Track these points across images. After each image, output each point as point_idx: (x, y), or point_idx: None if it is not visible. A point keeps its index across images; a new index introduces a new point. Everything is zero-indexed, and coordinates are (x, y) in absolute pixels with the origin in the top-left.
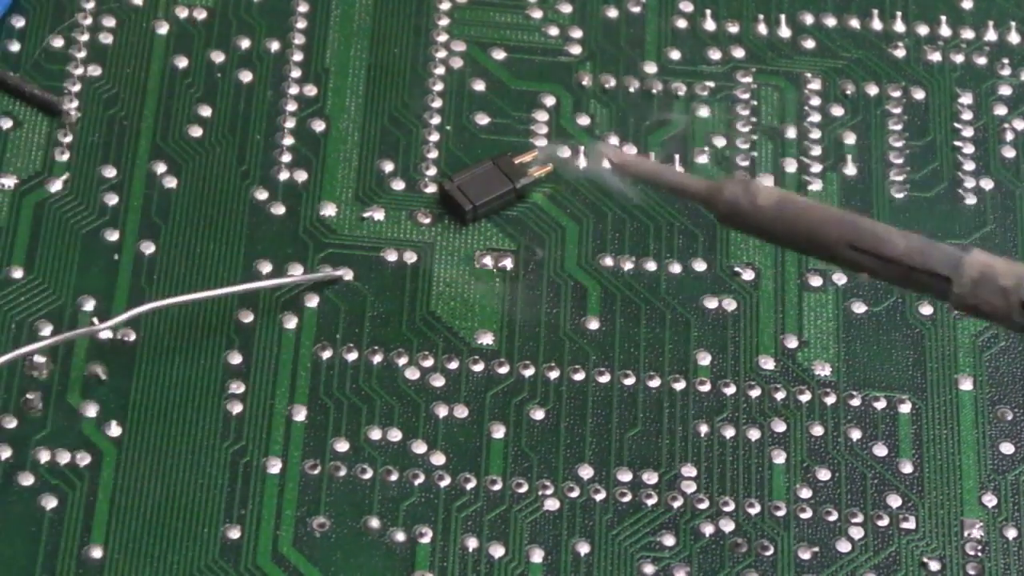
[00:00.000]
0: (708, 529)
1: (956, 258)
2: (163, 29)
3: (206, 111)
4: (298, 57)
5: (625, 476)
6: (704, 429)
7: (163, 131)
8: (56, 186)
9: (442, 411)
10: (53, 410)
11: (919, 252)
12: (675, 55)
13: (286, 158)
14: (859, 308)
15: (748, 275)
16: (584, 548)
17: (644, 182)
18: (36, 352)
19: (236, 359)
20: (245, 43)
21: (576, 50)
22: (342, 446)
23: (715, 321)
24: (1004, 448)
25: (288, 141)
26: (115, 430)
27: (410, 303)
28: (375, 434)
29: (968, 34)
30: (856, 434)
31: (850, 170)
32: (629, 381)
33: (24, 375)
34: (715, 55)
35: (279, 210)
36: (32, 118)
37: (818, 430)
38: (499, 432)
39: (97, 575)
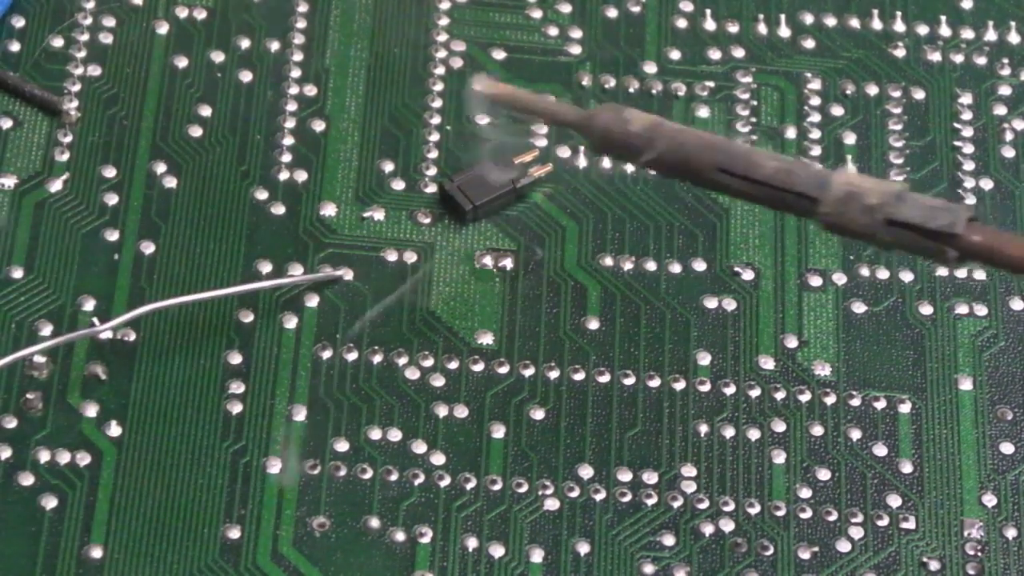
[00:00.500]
0: (708, 529)
1: (823, 178)
2: (163, 29)
3: (206, 111)
4: (298, 57)
5: (625, 476)
6: (704, 429)
7: (163, 131)
8: (56, 186)
9: (442, 411)
10: (53, 410)
11: (786, 172)
12: (675, 55)
13: (286, 158)
14: (859, 308)
15: (748, 275)
16: (584, 548)
17: (520, 112)
18: (37, 353)
19: (236, 359)
20: (245, 43)
21: (576, 50)
22: (342, 446)
23: (715, 321)
24: (1004, 448)
25: (288, 141)
26: (115, 430)
27: (410, 303)
28: (375, 434)
29: (968, 34)
30: (856, 434)
31: (850, 170)
32: (629, 381)
33: (24, 375)
34: (715, 55)
35: (279, 210)
36: (32, 118)
37: (818, 430)
38: (499, 432)
39: (97, 575)
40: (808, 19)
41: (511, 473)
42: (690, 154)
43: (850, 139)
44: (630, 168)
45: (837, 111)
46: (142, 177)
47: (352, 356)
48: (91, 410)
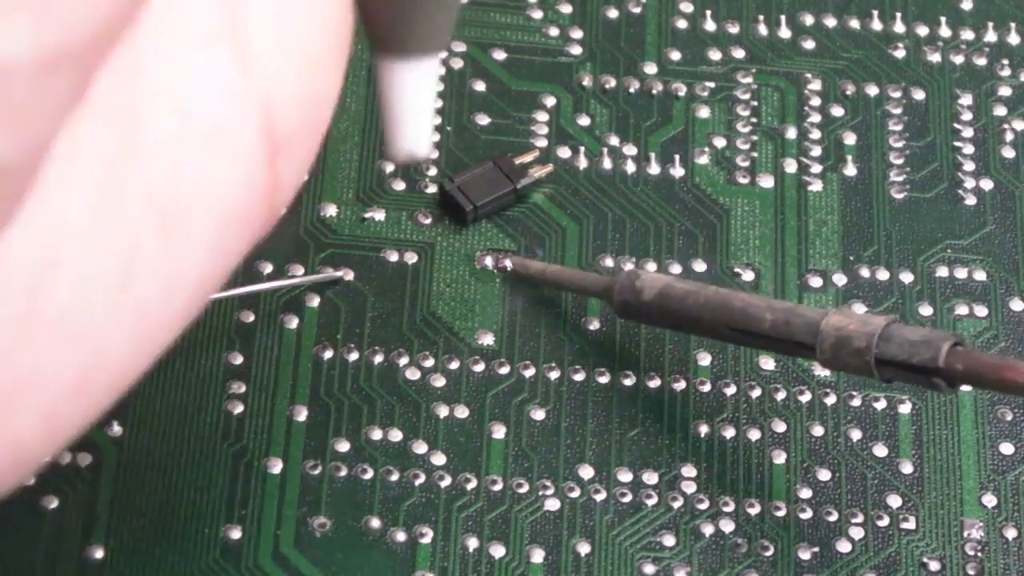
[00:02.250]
0: (708, 529)
1: (815, 325)
2: None
3: None
4: None
5: (625, 476)
6: (704, 429)
7: None
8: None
9: (443, 411)
10: None
11: (784, 324)
12: (675, 56)
13: None
14: (859, 309)
15: (748, 275)
16: (584, 548)
17: (548, 285)
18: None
19: (237, 359)
20: None
21: (576, 51)
22: (343, 446)
23: None
24: (1004, 448)
25: None
26: (115, 430)
27: (410, 303)
28: (376, 434)
29: (968, 35)
30: (856, 434)
31: (850, 170)
32: (629, 381)
33: None
34: (715, 56)
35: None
36: None
37: (818, 430)
38: (499, 432)
39: (97, 575)
40: (808, 20)
41: (512, 473)
42: (701, 316)
43: (850, 139)
44: (630, 169)
45: (837, 111)
46: None
47: (353, 356)
48: None
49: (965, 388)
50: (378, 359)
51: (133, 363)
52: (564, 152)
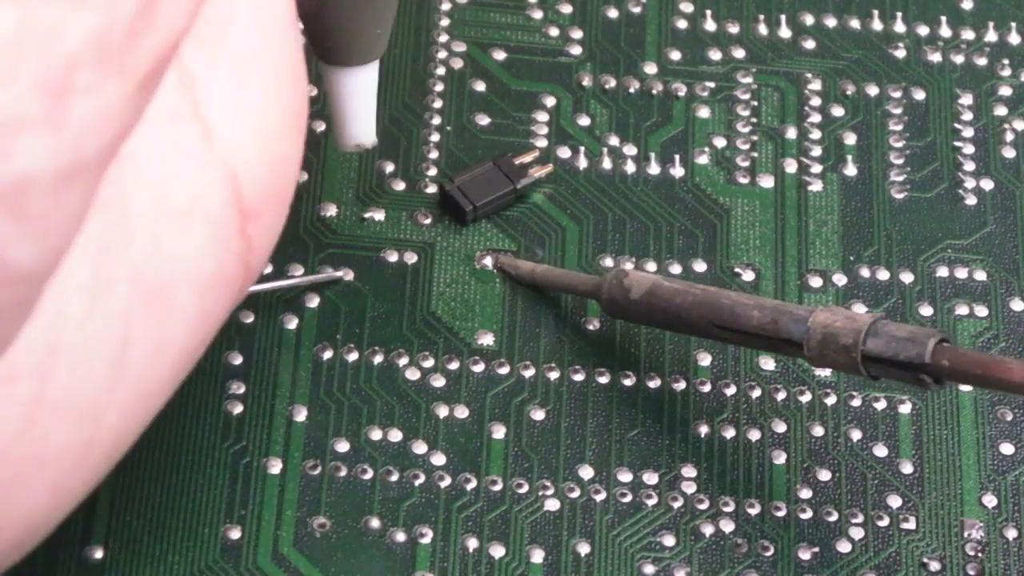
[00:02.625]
0: (708, 529)
1: (803, 322)
2: None
3: None
4: None
5: (625, 476)
6: (704, 430)
7: None
8: None
9: (442, 411)
10: None
11: (771, 322)
12: (675, 55)
13: None
14: (859, 309)
15: (748, 276)
16: (584, 548)
17: (539, 285)
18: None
19: (236, 360)
20: None
21: (576, 51)
22: (342, 446)
23: None
24: (1004, 448)
25: None
26: None
27: (410, 303)
28: (375, 434)
29: (968, 35)
30: (856, 434)
31: (850, 170)
32: (629, 382)
33: None
34: (715, 55)
35: None
36: None
37: (818, 431)
38: (499, 432)
39: (97, 575)
40: (808, 20)
41: (511, 474)
42: (688, 314)
43: (850, 139)
44: (630, 169)
45: (837, 111)
46: None
47: (352, 356)
48: None
49: (965, 388)
50: (378, 359)
51: (129, 430)
52: (564, 152)
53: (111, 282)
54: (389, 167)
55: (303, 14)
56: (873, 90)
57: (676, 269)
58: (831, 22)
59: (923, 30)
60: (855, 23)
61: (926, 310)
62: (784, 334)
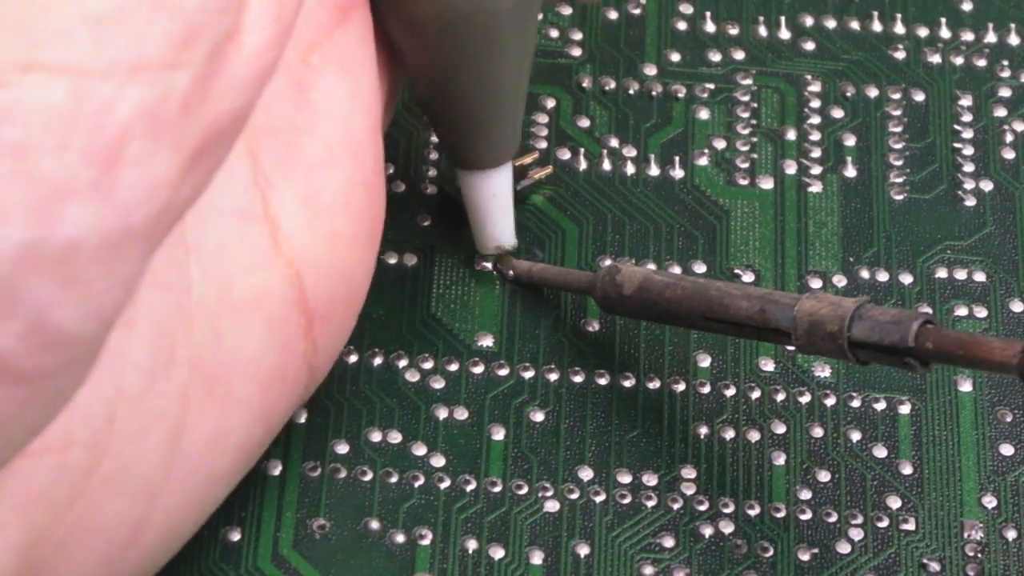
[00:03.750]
0: (708, 531)
1: (789, 310)
2: None
3: None
4: None
5: (625, 478)
6: (704, 431)
7: None
8: None
9: (442, 413)
10: None
11: (759, 311)
12: (675, 57)
13: None
14: None
15: (748, 277)
16: (584, 550)
17: (538, 283)
18: None
19: None
20: None
21: (576, 52)
22: (342, 448)
23: None
24: (1004, 449)
25: None
26: None
27: (410, 305)
28: (375, 436)
29: (968, 36)
30: (856, 435)
31: (850, 172)
32: (629, 383)
33: None
34: (715, 57)
35: None
36: None
37: (818, 432)
38: (499, 434)
39: None
40: (808, 21)
41: (511, 475)
42: (679, 307)
43: (850, 141)
44: (630, 171)
45: (837, 113)
46: None
47: (352, 358)
48: None
49: (965, 388)
50: (377, 361)
51: (185, 517)
52: (564, 154)
53: (171, 364)
54: (389, 169)
55: (435, 123)
56: (873, 92)
57: (676, 271)
58: (831, 24)
59: (923, 32)
60: (855, 24)
61: (926, 311)
62: (772, 323)
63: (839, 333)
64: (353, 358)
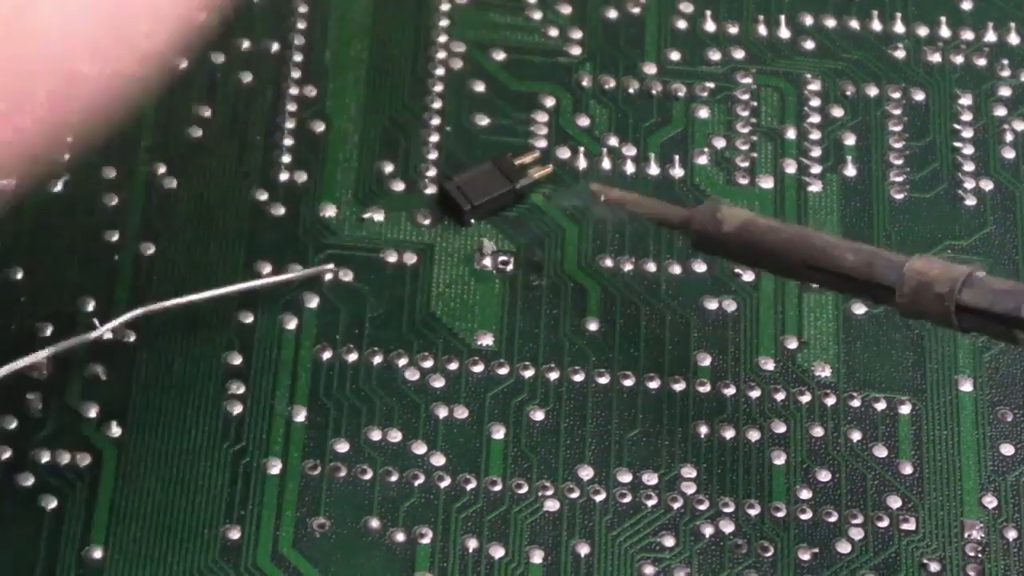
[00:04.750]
0: (708, 530)
1: (898, 268)
2: None
3: (206, 112)
4: (298, 58)
5: (625, 477)
6: (704, 430)
7: (163, 132)
8: (56, 187)
9: (442, 412)
10: (53, 411)
11: (866, 264)
12: (675, 56)
13: (286, 159)
14: (859, 309)
15: (748, 276)
16: (584, 549)
17: (628, 213)
18: (35, 361)
19: (236, 360)
20: (245, 44)
21: (576, 51)
22: (342, 447)
23: (715, 322)
24: (1004, 449)
25: (288, 142)
26: (115, 430)
27: (410, 304)
28: (375, 435)
29: (968, 35)
30: (856, 435)
31: (850, 171)
32: (629, 382)
33: (24, 375)
34: (715, 56)
35: (279, 211)
36: None
37: (818, 431)
38: (499, 433)
39: (97, 575)
40: (808, 20)
41: (511, 474)
42: (780, 252)
43: (850, 140)
44: (630, 170)
45: (837, 112)
46: (142, 178)
47: (352, 357)
48: (91, 411)
49: (965, 388)
50: (377, 360)
51: None
52: (564, 152)
53: None
54: (388, 167)
55: None
56: (873, 91)
57: (676, 270)
58: (831, 23)
59: (923, 31)
60: (855, 24)
61: None
62: (877, 278)
63: (948, 296)
64: (353, 356)
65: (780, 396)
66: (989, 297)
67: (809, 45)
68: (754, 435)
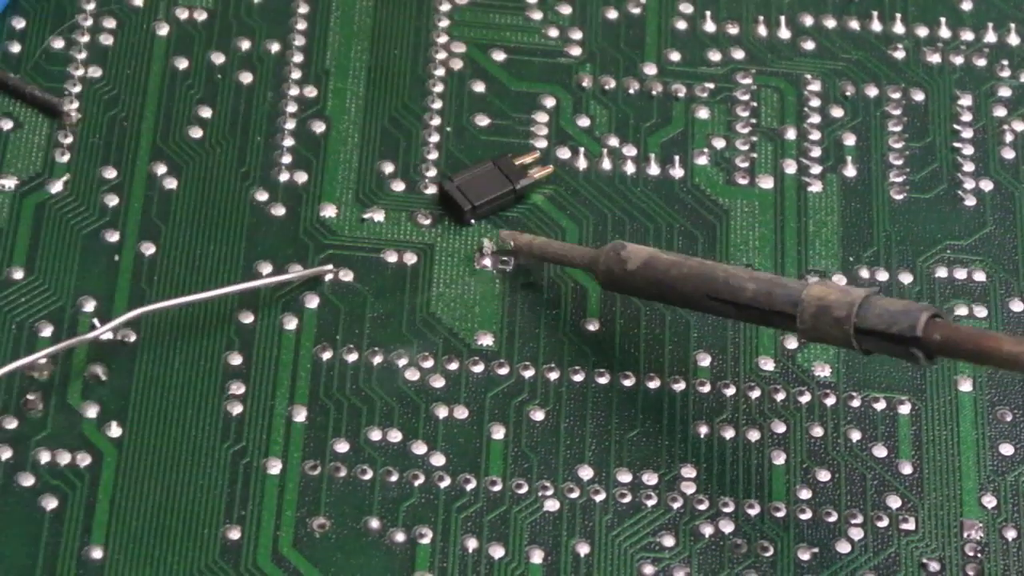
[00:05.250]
0: (708, 530)
1: (796, 295)
2: (163, 30)
3: (206, 112)
4: (298, 58)
5: (625, 477)
6: (704, 430)
7: (163, 132)
8: (56, 187)
9: (442, 412)
10: (53, 411)
11: (766, 294)
12: (675, 56)
13: (286, 159)
14: None
15: None
16: (584, 549)
17: (536, 257)
18: (36, 360)
19: (236, 360)
20: (245, 44)
21: (576, 51)
22: (342, 447)
23: (715, 322)
24: (1004, 449)
25: (288, 142)
26: (115, 431)
27: (410, 304)
28: (375, 435)
29: (967, 36)
30: (856, 435)
31: (850, 171)
32: (629, 382)
33: (24, 376)
34: (715, 56)
35: (279, 211)
36: (32, 119)
37: (818, 431)
38: (499, 433)
39: (97, 575)
40: (808, 21)
41: (511, 474)
42: (683, 286)
43: (850, 140)
44: (630, 170)
45: (837, 112)
46: (142, 178)
47: (352, 357)
48: (91, 411)
49: (965, 388)
50: (377, 360)
51: None
52: (564, 153)
53: None
54: (389, 168)
55: None
56: (872, 91)
57: None
58: (830, 23)
59: (922, 31)
60: (854, 24)
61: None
62: (778, 306)
63: (846, 319)
64: (353, 356)
65: (780, 396)
66: (886, 318)
67: (809, 45)
68: (754, 435)
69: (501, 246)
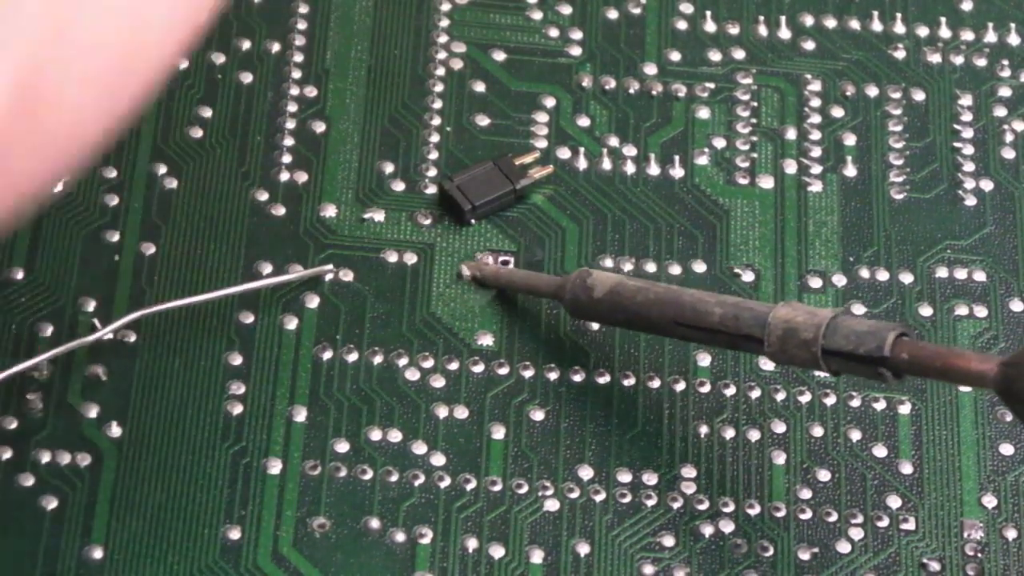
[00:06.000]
0: (708, 530)
1: (763, 318)
2: None
3: (206, 112)
4: (298, 58)
5: (625, 477)
6: (704, 430)
7: (163, 132)
8: (56, 187)
9: (442, 412)
10: (53, 411)
11: (732, 318)
12: (675, 56)
13: (286, 159)
14: (858, 309)
15: (748, 276)
16: (584, 549)
17: (502, 287)
18: (35, 364)
19: (236, 360)
20: (245, 44)
21: (576, 51)
22: (342, 447)
23: None
24: (1004, 449)
25: (288, 142)
26: (115, 431)
27: (410, 304)
28: (375, 435)
29: (968, 35)
30: (856, 435)
31: (850, 171)
32: (629, 382)
33: (24, 375)
34: (715, 56)
35: (279, 211)
36: None
37: (818, 431)
38: (499, 433)
39: (97, 575)
40: (808, 21)
41: (511, 474)
42: (650, 312)
43: (850, 140)
44: (630, 170)
45: (837, 112)
46: (143, 178)
47: (352, 357)
48: (91, 411)
49: (965, 388)
50: (378, 360)
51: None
52: (564, 153)
53: None
54: (389, 168)
55: None
56: (873, 91)
57: (676, 270)
58: (831, 23)
59: (923, 31)
60: (855, 24)
61: (926, 311)
62: (745, 330)
63: (813, 341)
64: (353, 356)
65: (780, 396)
66: (853, 339)
67: (809, 45)
68: (754, 435)
69: (469, 272)
